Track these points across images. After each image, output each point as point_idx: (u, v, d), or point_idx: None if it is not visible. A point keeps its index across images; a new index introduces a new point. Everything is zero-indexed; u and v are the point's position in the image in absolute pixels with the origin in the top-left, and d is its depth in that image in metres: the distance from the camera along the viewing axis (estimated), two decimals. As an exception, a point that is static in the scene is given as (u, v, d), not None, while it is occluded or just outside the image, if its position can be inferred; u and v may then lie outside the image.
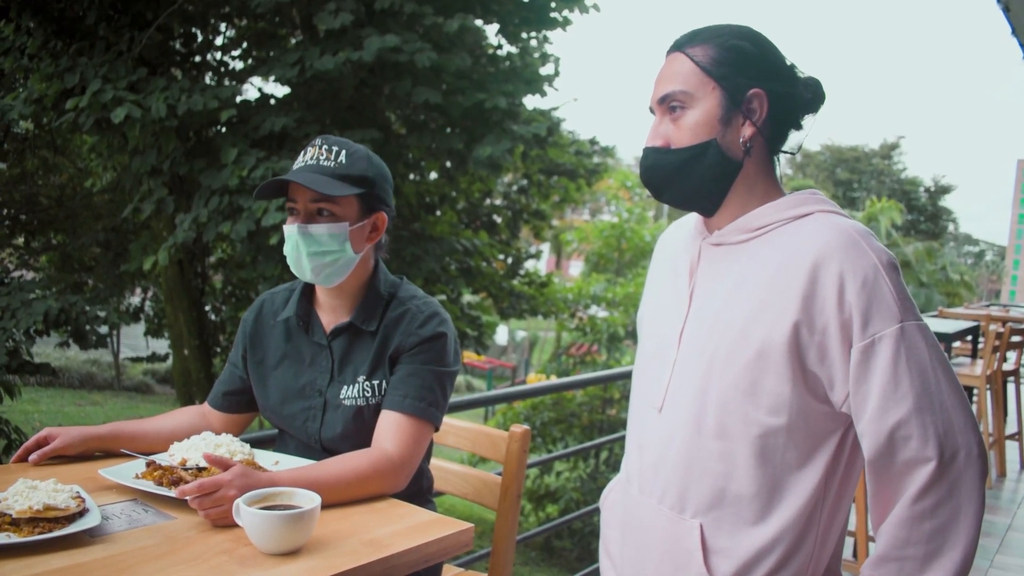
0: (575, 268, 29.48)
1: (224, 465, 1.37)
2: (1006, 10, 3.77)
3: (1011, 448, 5.61)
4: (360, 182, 1.62)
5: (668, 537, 1.31)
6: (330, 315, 1.71)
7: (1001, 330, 4.93)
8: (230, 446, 1.53)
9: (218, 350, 9.78)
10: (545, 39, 9.38)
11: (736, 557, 1.25)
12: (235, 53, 9.27)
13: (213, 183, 7.17)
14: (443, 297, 9.41)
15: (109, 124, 7.15)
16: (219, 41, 9.30)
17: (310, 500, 1.28)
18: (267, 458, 1.60)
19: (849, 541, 3.22)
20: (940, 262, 25.21)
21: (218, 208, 7.10)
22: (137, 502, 1.40)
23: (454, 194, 10.51)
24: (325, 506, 1.34)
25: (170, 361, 11.28)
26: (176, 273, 9.08)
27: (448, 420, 1.94)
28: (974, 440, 1.16)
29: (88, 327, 7.70)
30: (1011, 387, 6.13)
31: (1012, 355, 5.58)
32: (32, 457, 1.56)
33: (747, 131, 1.28)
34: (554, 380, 10.43)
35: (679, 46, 1.31)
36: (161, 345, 12.30)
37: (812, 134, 1.33)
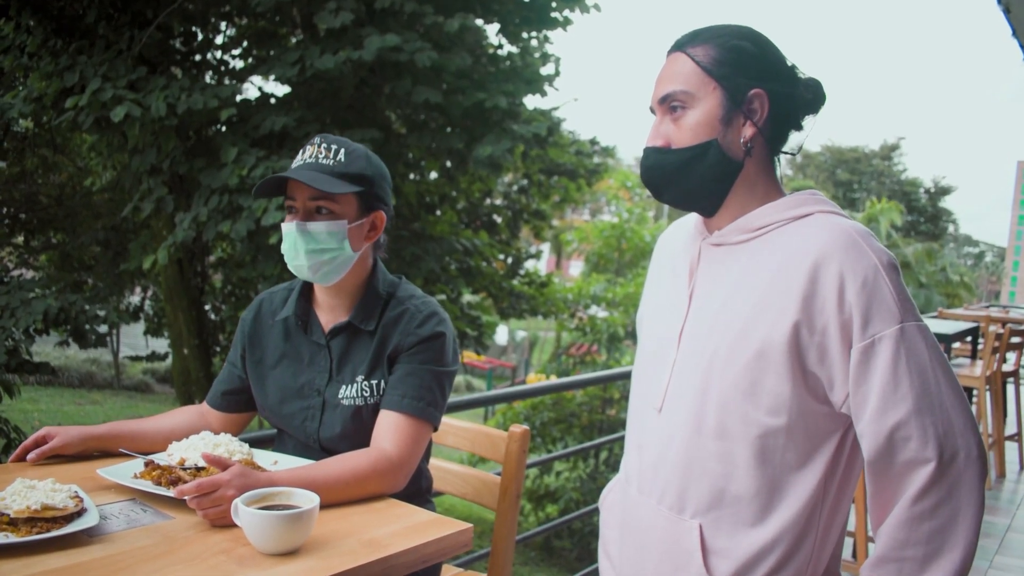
0: (575, 268, 29.48)
1: (223, 465, 1.37)
2: (1006, 11, 3.77)
3: (1010, 449, 5.61)
4: (359, 180, 1.62)
5: (667, 537, 1.31)
6: (329, 314, 1.71)
7: (1001, 331, 4.93)
8: (229, 446, 1.53)
9: (218, 349, 9.78)
10: (545, 39, 9.38)
11: (735, 557, 1.25)
12: (235, 52, 9.27)
13: (213, 182, 7.17)
14: (443, 297, 9.41)
15: (109, 123, 7.14)
16: (219, 40, 9.30)
17: (309, 500, 1.28)
18: (266, 458, 1.60)
19: (848, 542, 3.21)
20: (940, 263, 25.20)
21: (218, 207, 7.10)
22: (135, 502, 1.40)
23: (454, 194, 10.51)
24: (324, 506, 1.34)
25: (169, 360, 11.28)
26: (176, 272, 9.08)
27: (447, 420, 1.94)
28: (974, 441, 1.16)
29: (87, 326, 7.70)
30: (1011, 388, 6.14)
31: (1012, 356, 5.58)
32: (30, 456, 1.56)
33: (748, 131, 1.28)
34: (554, 380, 10.43)
35: (680, 46, 1.31)
36: (161, 344, 12.29)
37: (812, 135, 1.33)
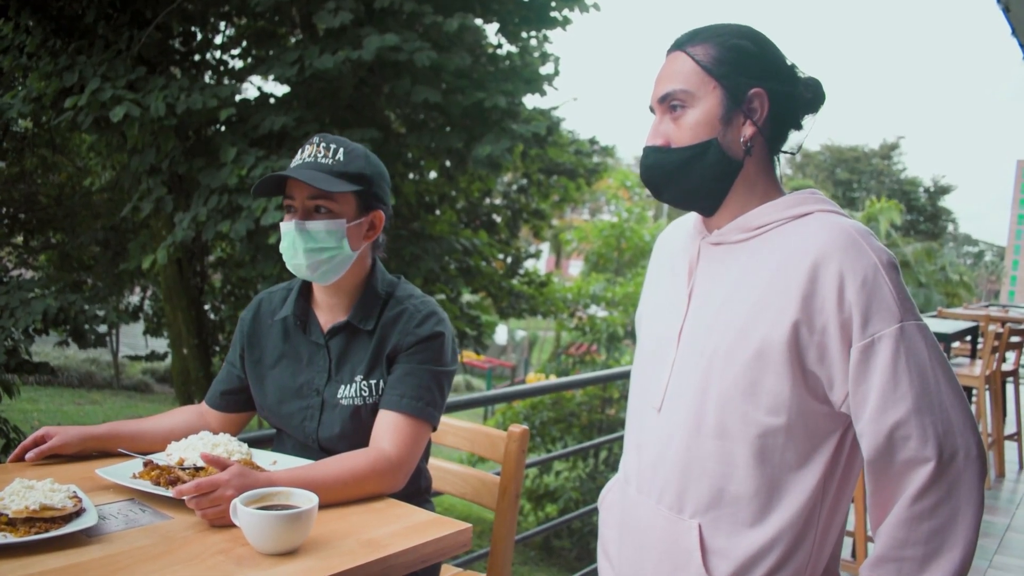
0: (575, 268, 29.47)
1: (221, 465, 1.37)
2: (1006, 10, 3.76)
3: (1010, 448, 5.61)
4: (358, 179, 1.62)
5: (666, 537, 1.31)
6: (327, 314, 1.70)
7: (1000, 330, 4.93)
8: (228, 446, 1.53)
9: (217, 349, 9.78)
10: (545, 38, 9.37)
11: (735, 557, 1.25)
12: (234, 52, 9.26)
13: (212, 182, 7.17)
14: (442, 296, 9.41)
15: (108, 123, 7.13)
16: (218, 40, 9.29)
17: (308, 500, 1.28)
18: (265, 458, 1.60)
19: (848, 541, 3.21)
20: (939, 262, 25.22)
21: (217, 207, 7.10)
22: (134, 502, 1.40)
23: (454, 193, 10.51)
24: (323, 506, 1.34)
25: (169, 360, 11.28)
26: (175, 272, 9.07)
27: (447, 420, 1.94)
28: (973, 440, 1.16)
29: (87, 326, 7.70)
30: (1010, 387, 6.14)
31: (1011, 355, 5.58)
32: (29, 455, 1.55)
33: (748, 130, 1.28)
34: (553, 380, 10.43)
35: (680, 45, 1.31)
36: (160, 344, 12.29)
37: (812, 134, 1.33)
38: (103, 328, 8.81)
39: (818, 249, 1.19)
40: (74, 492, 1.29)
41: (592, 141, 12.50)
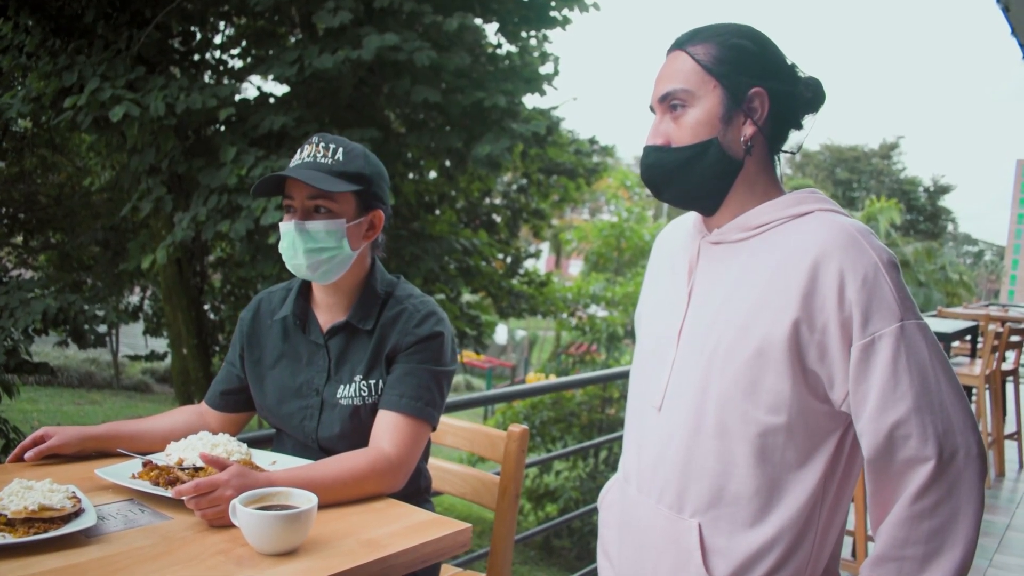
0: (574, 267, 29.47)
1: (221, 465, 1.37)
2: (1005, 10, 3.76)
3: (1010, 448, 5.61)
4: (357, 179, 1.62)
5: (666, 536, 1.30)
6: (327, 314, 1.70)
7: (1000, 330, 4.93)
8: (227, 446, 1.53)
9: (217, 349, 9.78)
10: (545, 38, 9.38)
11: (735, 557, 1.25)
12: (234, 51, 9.26)
13: (212, 182, 7.16)
14: (442, 296, 9.41)
15: (107, 123, 7.13)
16: (218, 39, 9.29)
17: (307, 500, 1.28)
18: (264, 458, 1.60)
19: (848, 541, 3.21)
20: (939, 262, 25.21)
21: (217, 207, 7.10)
22: (133, 502, 1.39)
23: (453, 193, 10.51)
24: (322, 506, 1.33)
25: (169, 360, 11.27)
26: (175, 272, 9.07)
27: (446, 419, 1.94)
28: (973, 439, 1.15)
29: (87, 326, 7.68)
30: (1010, 387, 6.14)
31: (1011, 355, 5.58)
32: (28, 455, 1.55)
33: (748, 130, 1.28)
34: (553, 379, 10.43)
35: (680, 44, 1.31)
36: (160, 344, 12.29)
37: (812, 134, 1.33)
38: (103, 328, 8.80)
39: (818, 248, 1.19)
40: (73, 492, 1.29)
41: (592, 141, 12.50)
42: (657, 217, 26.25)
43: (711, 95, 1.27)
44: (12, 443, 5.32)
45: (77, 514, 1.26)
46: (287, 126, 7.33)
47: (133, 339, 16.07)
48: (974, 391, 5.04)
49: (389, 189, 1.74)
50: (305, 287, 1.74)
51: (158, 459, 1.50)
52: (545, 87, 8.73)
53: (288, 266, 1.63)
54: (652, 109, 1.33)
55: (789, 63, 1.31)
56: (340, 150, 1.63)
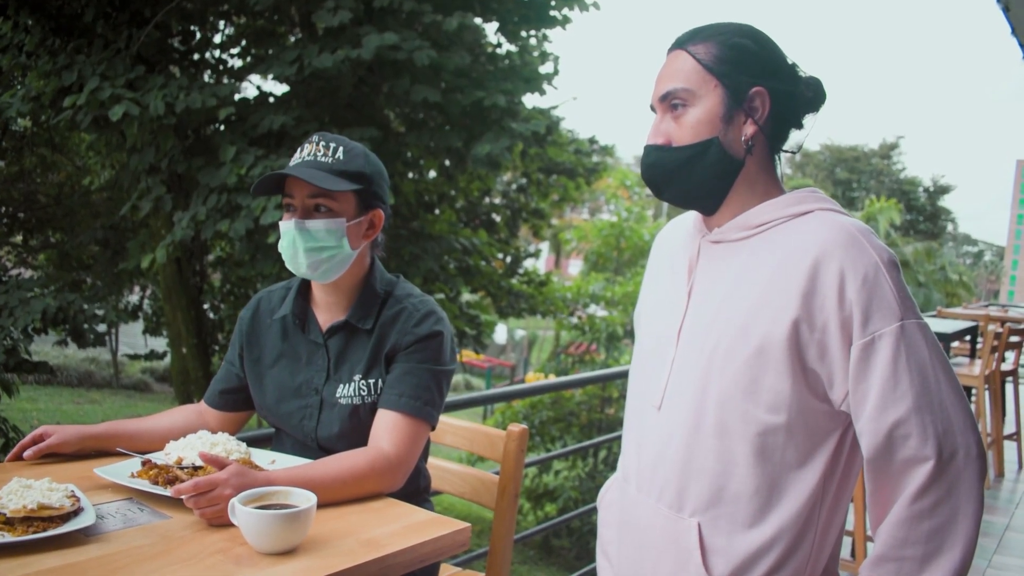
0: (574, 267, 29.47)
1: (220, 464, 1.37)
2: (1006, 10, 3.76)
3: (1009, 448, 5.61)
4: (357, 178, 1.62)
5: (666, 536, 1.30)
6: (326, 313, 1.70)
7: (999, 330, 4.93)
8: (226, 445, 1.53)
9: (216, 348, 9.78)
10: (544, 37, 9.37)
11: (734, 556, 1.24)
12: (234, 51, 9.25)
13: (211, 181, 7.16)
14: (442, 296, 9.41)
15: (107, 122, 7.13)
16: (218, 39, 9.28)
17: (306, 499, 1.27)
18: (263, 457, 1.59)
19: (847, 541, 3.21)
20: (939, 262, 25.22)
21: (216, 206, 7.09)
22: (132, 501, 1.39)
23: (453, 193, 10.51)
24: (321, 505, 1.33)
25: (168, 359, 11.27)
26: (174, 271, 9.07)
27: (446, 419, 1.94)
28: (973, 440, 1.15)
29: (86, 325, 7.68)
30: (1009, 387, 6.13)
31: (1010, 355, 5.59)
32: (27, 453, 1.55)
33: (749, 129, 1.27)
34: (553, 379, 10.44)
35: (681, 44, 1.31)
36: (159, 343, 12.29)
37: (812, 133, 1.33)
38: (102, 327, 8.80)
39: (819, 247, 1.19)
40: (72, 491, 1.29)
41: (591, 140, 12.50)
42: (657, 217, 26.26)
43: (712, 94, 1.27)
44: (11, 442, 5.33)
45: (76, 513, 1.26)
46: (287, 125, 7.33)
47: (132, 338, 16.05)
48: (973, 391, 5.04)
49: (389, 188, 1.74)
50: (304, 286, 1.74)
51: (157, 458, 1.50)
52: (545, 86, 8.73)
53: (288, 265, 1.63)
54: (653, 108, 1.33)
55: (790, 62, 1.31)
56: (340, 149, 1.63)
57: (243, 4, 8.06)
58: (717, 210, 1.33)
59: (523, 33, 9.16)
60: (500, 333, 24.37)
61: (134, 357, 13.20)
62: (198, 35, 8.86)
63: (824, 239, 1.20)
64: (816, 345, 1.19)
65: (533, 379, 19.37)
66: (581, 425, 9.68)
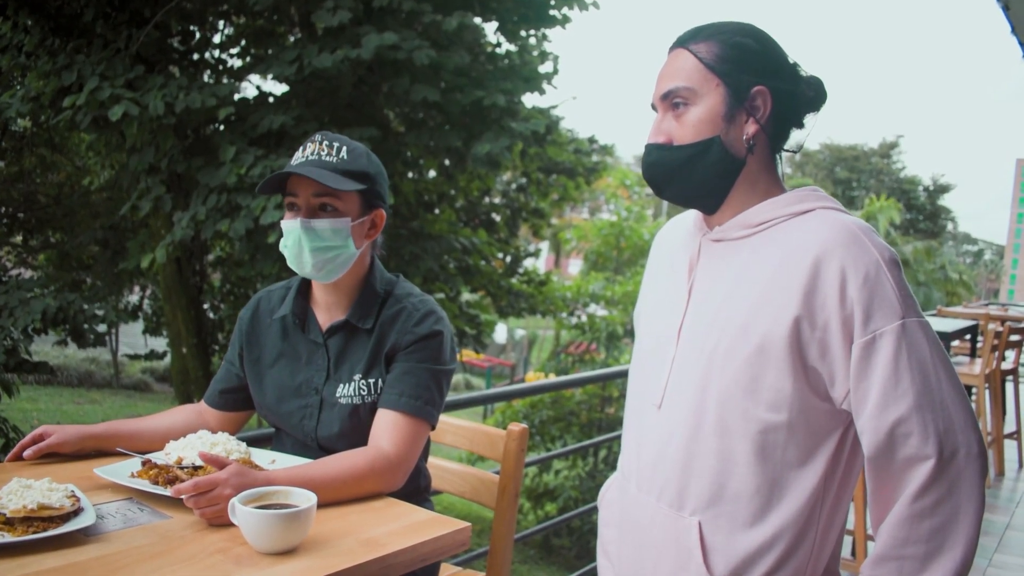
0: (574, 266, 29.47)
1: (220, 464, 1.37)
2: (1005, 8, 3.76)
3: (1009, 447, 5.60)
4: (362, 178, 1.62)
5: (667, 535, 1.30)
6: (326, 313, 1.70)
7: (1000, 329, 4.93)
8: (226, 445, 1.52)
9: (216, 348, 9.78)
10: (544, 37, 9.37)
11: (735, 555, 1.24)
12: (233, 51, 9.26)
13: (211, 181, 7.16)
14: (442, 295, 9.41)
15: (107, 122, 7.13)
16: (217, 39, 9.28)
17: (306, 499, 1.27)
18: (263, 457, 1.59)
19: (848, 540, 3.21)
20: (939, 261, 25.23)
21: (216, 206, 7.09)
22: (132, 501, 1.39)
23: (453, 192, 10.51)
24: (322, 505, 1.33)
25: (168, 359, 11.28)
26: (174, 271, 9.07)
27: (446, 418, 1.93)
28: (974, 438, 1.15)
29: (86, 325, 7.68)
30: (1009, 386, 6.13)
31: (1011, 354, 5.58)
32: (27, 452, 1.55)
33: (750, 128, 1.27)
34: (553, 378, 10.44)
35: (682, 42, 1.30)
36: (159, 343, 12.29)
37: (812, 133, 1.33)
38: (102, 327, 8.79)
39: (820, 245, 1.19)
40: (72, 491, 1.29)
41: (591, 140, 12.50)
42: (656, 216, 26.26)
43: (714, 93, 1.26)
44: (12, 442, 5.32)
45: (76, 513, 1.25)
46: (286, 125, 7.33)
47: (133, 338, 16.05)
48: (974, 390, 5.04)
49: (388, 188, 1.74)
50: (304, 286, 1.74)
51: (157, 458, 1.50)
52: (544, 86, 8.73)
53: (291, 264, 1.63)
54: (654, 107, 1.33)
55: (791, 62, 1.30)
56: (344, 148, 1.63)
57: (243, 4, 8.05)
58: (718, 209, 1.32)
59: (523, 32, 9.16)
60: (500, 333, 24.37)
61: (134, 357, 13.20)
62: (198, 35, 8.86)
63: (825, 237, 1.19)
64: (817, 343, 1.19)
65: (533, 378, 19.37)
66: (581, 424, 9.68)
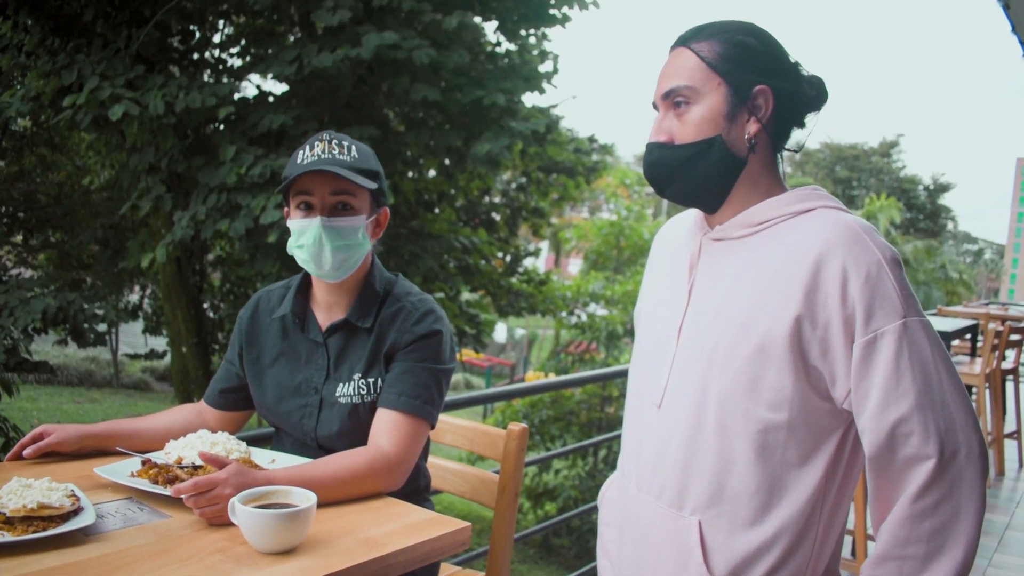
0: (574, 266, 29.48)
1: (220, 463, 1.37)
2: (1006, 8, 3.76)
3: (1010, 447, 5.60)
4: (374, 176, 1.64)
5: (667, 534, 1.30)
6: (326, 312, 1.70)
7: (1000, 328, 4.93)
8: (226, 444, 1.52)
9: (216, 347, 9.79)
10: (544, 36, 9.37)
11: (735, 555, 1.24)
12: (233, 50, 9.25)
13: (211, 180, 7.16)
14: (441, 295, 9.41)
15: (107, 121, 7.13)
16: (217, 38, 9.29)
17: (306, 499, 1.27)
18: (263, 456, 1.59)
19: (848, 539, 3.21)
20: (939, 260, 25.24)
21: (216, 206, 7.10)
22: (132, 500, 1.39)
23: (453, 192, 10.51)
24: (321, 505, 1.33)
25: (168, 358, 11.28)
26: (174, 271, 9.07)
27: (446, 418, 1.93)
28: (975, 438, 1.15)
29: (86, 325, 7.68)
30: (1010, 385, 6.13)
31: (1011, 353, 5.58)
32: (27, 451, 1.55)
33: (752, 128, 1.27)
34: (552, 378, 10.43)
35: (684, 41, 1.30)
36: (159, 342, 12.29)
37: (813, 132, 1.33)
38: (102, 327, 8.80)
39: (821, 244, 1.19)
40: (72, 491, 1.28)
41: (591, 139, 12.49)
42: (657, 215, 26.27)
43: (715, 92, 1.26)
44: (12, 441, 5.32)
45: (76, 512, 1.25)
46: (286, 125, 7.33)
47: (133, 338, 16.05)
48: (974, 390, 5.04)
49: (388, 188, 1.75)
50: (304, 285, 1.74)
51: (157, 457, 1.50)
52: (544, 85, 8.73)
53: (307, 264, 1.61)
54: (655, 106, 1.32)
55: (793, 61, 1.30)
56: (353, 147, 1.64)
57: (242, 3, 8.05)
58: (719, 208, 1.32)
59: (522, 32, 9.15)
60: (500, 332, 24.36)
61: (134, 356, 13.21)
62: (198, 34, 8.86)
63: (827, 236, 1.19)
64: (818, 342, 1.18)
65: (533, 378, 19.37)
66: (581, 424, 9.68)
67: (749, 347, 1.21)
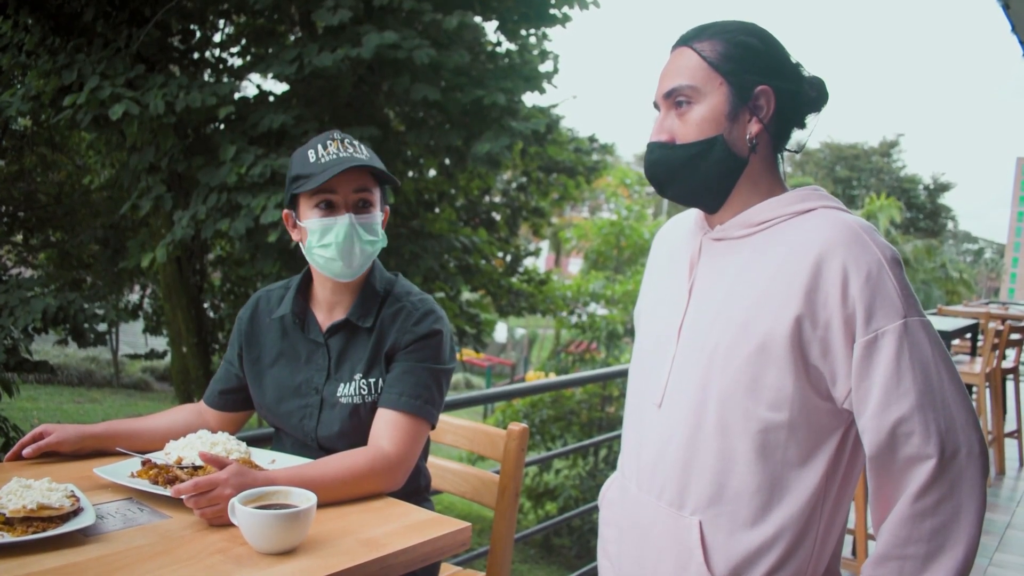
0: (574, 266, 29.47)
1: (220, 464, 1.36)
2: (1006, 7, 3.75)
3: (1010, 446, 5.60)
4: (385, 175, 1.64)
5: (667, 534, 1.30)
6: (326, 312, 1.70)
7: (1000, 328, 4.92)
8: (226, 444, 1.52)
9: (216, 347, 9.79)
10: (544, 36, 9.37)
11: (736, 554, 1.24)
12: (234, 50, 9.25)
13: (211, 180, 7.17)
14: (442, 295, 9.41)
15: (107, 121, 7.13)
16: (217, 38, 9.29)
17: (306, 499, 1.27)
18: (263, 456, 1.59)
19: (848, 539, 3.21)
20: (939, 260, 25.24)
21: (216, 205, 7.10)
22: (132, 501, 1.39)
23: (453, 191, 10.51)
24: (321, 505, 1.33)
25: (168, 358, 11.28)
26: (174, 270, 9.07)
27: (446, 418, 1.93)
28: (975, 437, 1.15)
29: (86, 324, 7.68)
30: (1010, 385, 6.13)
31: (1011, 353, 5.58)
32: (26, 451, 1.55)
33: (753, 128, 1.27)
34: (553, 378, 10.44)
35: (686, 41, 1.30)
36: (160, 342, 12.29)
37: (813, 132, 1.33)
38: (103, 326, 8.80)
39: (822, 244, 1.19)
40: (72, 491, 1.28)
41: (591, 139, 12.49)
42: (657, 215, 26.26)
43: (717, 92, 1.26)
44: (12, 441, 5.32)
45: (76, 513, 1.25)
46: (286, 124, 7.33)
47: (133, 337, 16.06)
48: (974, 389, 5.04)
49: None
50: (304, 285, 1.74)
51: (157, 458, 1.50)
52: (545, 85, 8.73)
53: (332, 263, 1.60)
54: (656, 105, 1.32)
55: (794, 62, 1.30)
56: (363, 146, 1.65)
57: (243, 3, 8.06)
58: (720, 208, 1.32)
59: (523, 31, 9.16)
60: (500, 332, 24.35)
61: (134, 356, 13.20)
62: (198, 34, 8.86)
63: (827, 236, 1.19)
64: (819, 342, 1.18)
65: (533, 378, 19.37)
66: (581, 424, 9.68)
67: (749, 347, 1.21)
